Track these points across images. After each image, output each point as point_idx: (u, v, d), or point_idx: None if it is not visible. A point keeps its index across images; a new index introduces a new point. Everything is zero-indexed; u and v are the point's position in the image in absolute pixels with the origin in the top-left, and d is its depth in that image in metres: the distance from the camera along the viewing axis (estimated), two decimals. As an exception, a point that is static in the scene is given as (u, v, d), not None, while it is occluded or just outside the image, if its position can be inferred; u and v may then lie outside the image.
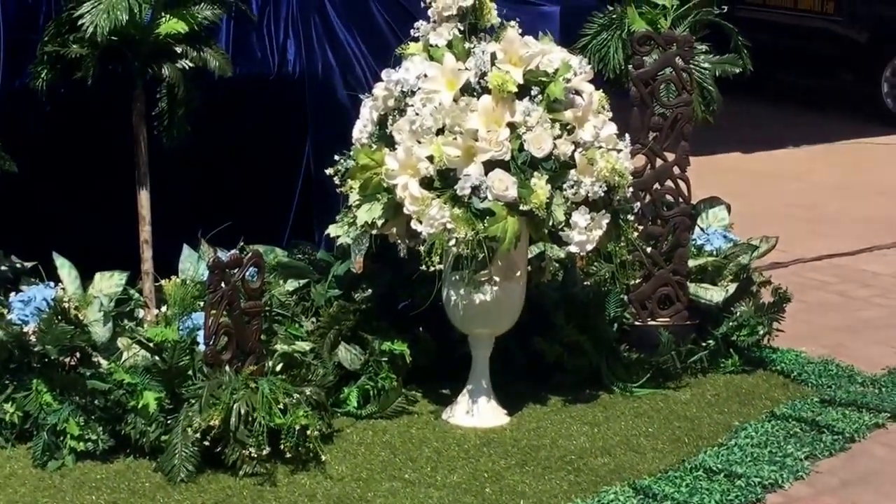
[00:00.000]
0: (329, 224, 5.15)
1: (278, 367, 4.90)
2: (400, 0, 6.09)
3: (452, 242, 4.67)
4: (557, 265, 5.56)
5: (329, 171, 5.04)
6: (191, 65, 5.10)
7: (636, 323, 5.64)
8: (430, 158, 4.71)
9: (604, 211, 4.89)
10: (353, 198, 4.89)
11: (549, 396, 5.36)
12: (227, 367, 4.71)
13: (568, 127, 4.85)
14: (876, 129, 11.18)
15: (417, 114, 4.74)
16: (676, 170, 5.62)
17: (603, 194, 4.86)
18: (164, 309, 5.09)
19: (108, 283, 5.05)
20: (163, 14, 5.04)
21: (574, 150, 4.82)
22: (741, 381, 5.67)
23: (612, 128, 4.96)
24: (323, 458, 4.72)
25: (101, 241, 5.39)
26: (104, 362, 4.77)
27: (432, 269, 4.72)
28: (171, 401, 4.71)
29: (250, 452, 4.61)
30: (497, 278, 4.91)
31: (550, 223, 4.79)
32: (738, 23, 6.26)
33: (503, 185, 4.71)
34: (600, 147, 4.88)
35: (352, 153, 4.96)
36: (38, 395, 4.66)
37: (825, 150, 10.57)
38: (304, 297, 5.32)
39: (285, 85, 5.88)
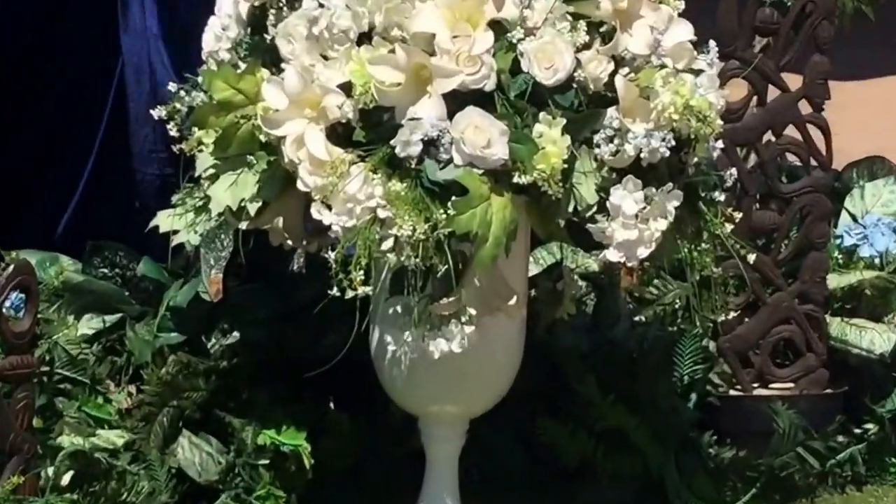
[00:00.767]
0: (159, 210, 3.97)
1: (65, 479, 3.82)
2: None
3: (389, 244, 3.52)
4: (584, 286, 4.57)
5: (159, 110, 3.89)
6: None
7: (732, 393, 4.57)
8: (347, 88, 3.58)
9: (670, 185, 3.67)
10: (204, 163, 3.74)
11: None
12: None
13: (603, 29, 3.61)
14: None
15: (322, 4, 3.63)
16: (806, 107, 4.54)
17: (669, 154, 3.63)
18: None
19: None
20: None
21: (615, 72, 3.64)
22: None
23: (687, 30, 3.72)
24: None
25: None
26: None
27: (352, 293, 3.61)
28: None
29: None
30: (472, 311, 3.61)
31: (571, 208, 3.59)
32: None
33: (482, 137, 3.52)
34: (663, 66, 3.69)
35: (200, 78, 3.78)
36: None
37: None
38: (113, 346, 4.28)
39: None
